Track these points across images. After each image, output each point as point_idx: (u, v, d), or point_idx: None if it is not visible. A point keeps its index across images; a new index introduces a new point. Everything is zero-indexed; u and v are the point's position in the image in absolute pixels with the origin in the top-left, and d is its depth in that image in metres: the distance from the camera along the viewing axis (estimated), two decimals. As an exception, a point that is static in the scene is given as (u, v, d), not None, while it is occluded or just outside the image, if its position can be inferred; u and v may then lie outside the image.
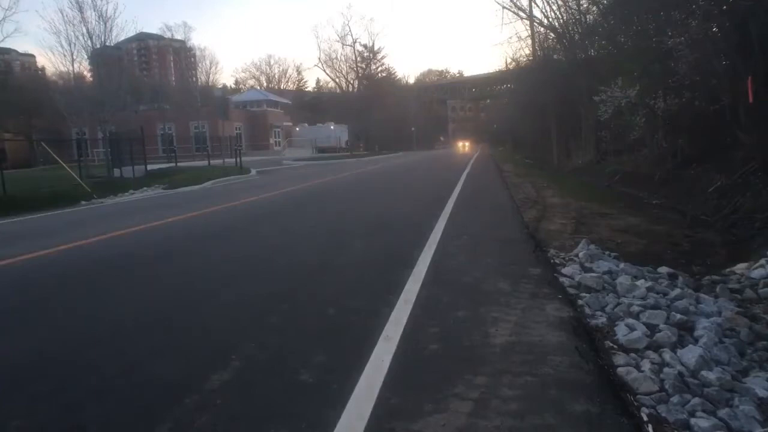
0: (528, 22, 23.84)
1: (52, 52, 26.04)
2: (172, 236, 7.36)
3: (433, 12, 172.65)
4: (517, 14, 23.07)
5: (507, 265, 4.91)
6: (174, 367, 2.82)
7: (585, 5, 18.57)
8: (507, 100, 48.34)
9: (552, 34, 22.89)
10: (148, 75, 79.17)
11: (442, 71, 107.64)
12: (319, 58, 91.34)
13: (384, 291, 4.02)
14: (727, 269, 4.95)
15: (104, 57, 21.84)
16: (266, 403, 2.38)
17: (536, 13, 23.05)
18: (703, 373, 2.64)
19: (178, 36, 71.48)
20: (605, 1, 16.65)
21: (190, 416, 2.28)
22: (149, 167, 19.78)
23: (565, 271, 4.59)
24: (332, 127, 59.87)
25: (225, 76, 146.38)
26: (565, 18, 20.82)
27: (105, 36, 20.12)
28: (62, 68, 22.01)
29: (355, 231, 7.21)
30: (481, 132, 79.69)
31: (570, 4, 19.82)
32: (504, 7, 22.33)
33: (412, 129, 73.73)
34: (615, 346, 3.03)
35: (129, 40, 65.37)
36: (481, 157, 37.05)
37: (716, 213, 7.67)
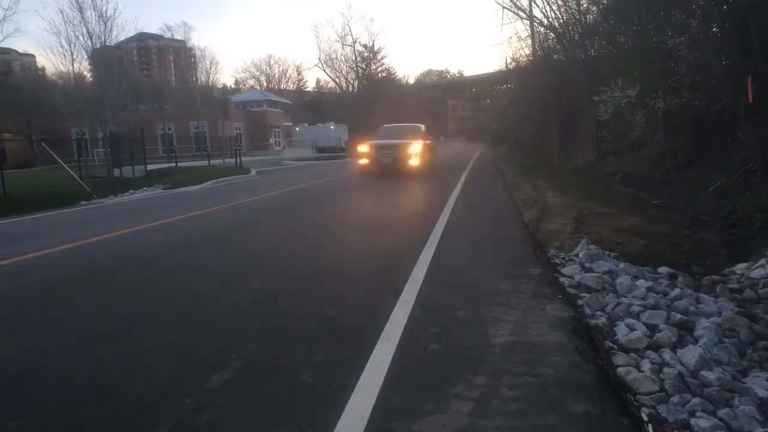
0: (528, 22, 23.80)
1: (52, 52, 26.08)
2: (172, 236, 7.35)
3: (433, 12, 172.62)
4: (517, 14, 23.06)
5: (507, 264, 4.91)
6: (174, 367, 2.82)
7: (585, 5, 18.55)
8: (507, 100, 48.32)
9: (552, 34, 22.87)
10: (148, 75, 79.23)
11: (442, 71, 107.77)
12: (319, 58, 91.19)
13: (383, 290, 4.02)
14: (727, 269, 4.94)
15: (104, 57, 21.84)
16: (266, 403, 2.38)
17: (536, 13, 23.02)
18: (703, 373, 2.64)
19: (178, 36, 71.52)
20: (605, 1, 16.64)
21: (190, 416, 2.28)
22: (149, 167, 19.77)
23: (565, 271, 4.59)
24: (332, 127, 59.78)
25: (225, 76, 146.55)
26: (565, 18, 20.80)
27: (105, 36, 20.13)
28: (62, 68, 22.01)
29: (357, 227, 7.21)
30: (481, 132, 79.67)
31: (570, 4, 19.80)
32: (504, 7, 22.31)
33: (412, 129, 73.57)
34: (615, 346, 3.03)
35: (129, 40, 65.47)
36: (480, 159, 37.03)
37: (716, 213, 7.67)
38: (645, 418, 2.28)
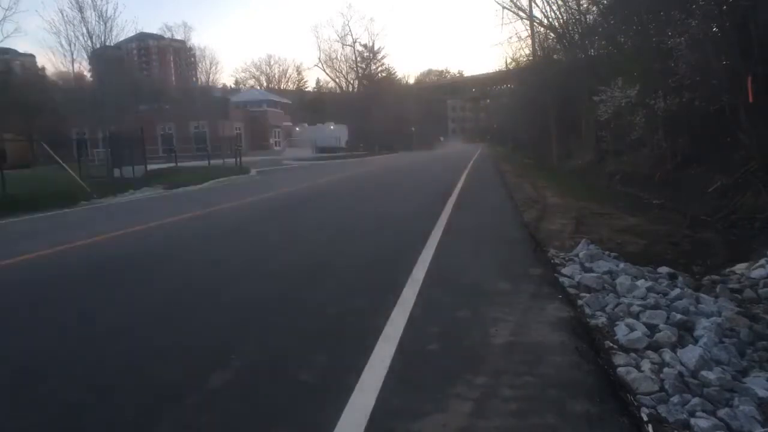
0: (528, 22, 23.83)
1: (53, 52, 26.20)
2: (173, 236, 7.35)
3: (433, 12, 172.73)
4: (517, 14, 23.08)
5: (507, 264, 4.91)
6: (174, 367, 2.82)
7: (585, 5, 18.57)
8: (507, 100, 48.33)
9: (552, 34, 22.90)
10: (148, 75, 79.05)
11: (442, 71, 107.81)
12: (319, 58, 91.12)
13: (383, 290, 4.02)
14: (727, 269, 4.95)
15: (104, 57, 21.87)
16: (266, 403, 2.39)
17: (536, 13, 23.04)
18: (703, 373, 2.64)
19: (178, 36, 71.64)
20: (605, 1, 16.64)
21: (189, 416, 2.28)
22: (149, 167, 19.72)
23: (565, 271, 4.59)
24: (332, 127, 59.77)
25: (225, 76, 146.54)
26: (565, 18, 20.83)
27: (105, 36, 20.22)
28: (62, 68, 22.07)
29: (358, 228, 7.21)
30: (481, 132, 79.81)
31: (570, 4, 19.83)
32: (504, 7, 22.34)
33: (412, 129, 73.65)
34: (615, 346, 3.03)
35: (129, 40, 65.13)
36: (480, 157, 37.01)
37: (716, 213, 7.68)
38: (645, 418, 2.28)
